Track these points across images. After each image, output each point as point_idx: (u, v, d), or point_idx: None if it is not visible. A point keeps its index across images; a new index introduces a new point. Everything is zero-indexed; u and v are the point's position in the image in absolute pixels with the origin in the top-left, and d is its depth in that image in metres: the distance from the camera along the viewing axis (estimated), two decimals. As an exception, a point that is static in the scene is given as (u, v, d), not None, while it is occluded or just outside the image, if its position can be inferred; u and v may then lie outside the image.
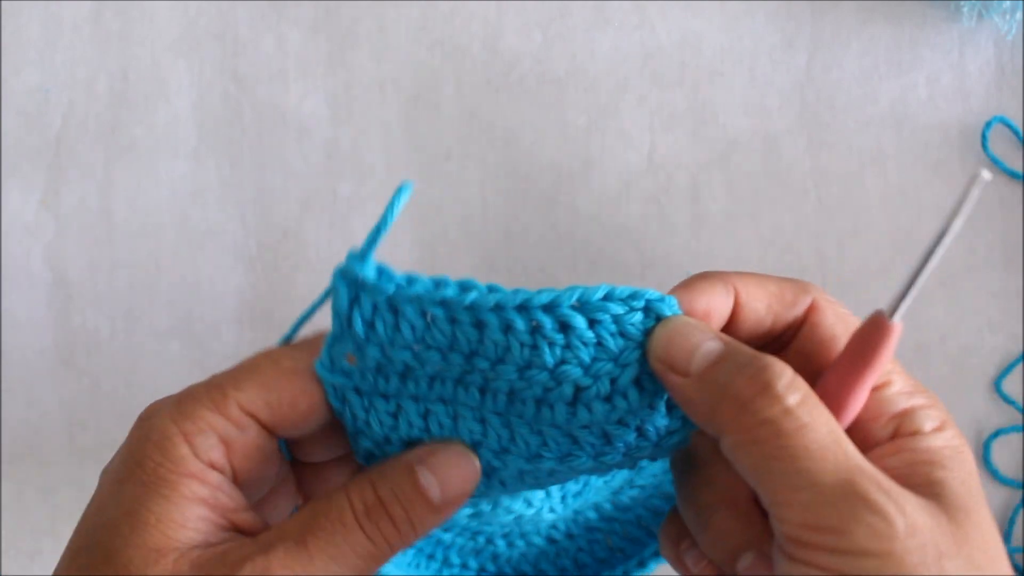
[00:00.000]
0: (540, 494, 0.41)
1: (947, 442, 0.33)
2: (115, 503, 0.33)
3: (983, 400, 0.54)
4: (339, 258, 0.59)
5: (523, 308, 0.32)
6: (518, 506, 0.41)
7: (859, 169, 0.55)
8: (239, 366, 0.35)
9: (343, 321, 0.34)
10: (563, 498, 0.42)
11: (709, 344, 0.33)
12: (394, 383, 0.34)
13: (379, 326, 0.33)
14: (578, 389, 0.33)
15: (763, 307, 0.36)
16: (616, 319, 0.32)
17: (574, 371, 0.32)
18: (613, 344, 0.32)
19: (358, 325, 0.33)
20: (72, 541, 0.34)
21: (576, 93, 0.56)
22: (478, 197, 0.57)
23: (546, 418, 0.33)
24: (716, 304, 0.35)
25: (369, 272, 0.33)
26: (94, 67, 0.59)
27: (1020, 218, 0.54)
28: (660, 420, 0.34)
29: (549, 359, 0.32)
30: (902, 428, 0.34)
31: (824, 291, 0.37)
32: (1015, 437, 0.54)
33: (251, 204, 0.58)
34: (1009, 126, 0.54)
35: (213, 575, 0.31)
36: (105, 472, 0.35)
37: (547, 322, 0.32)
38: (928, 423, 0.34)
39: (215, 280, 0.58)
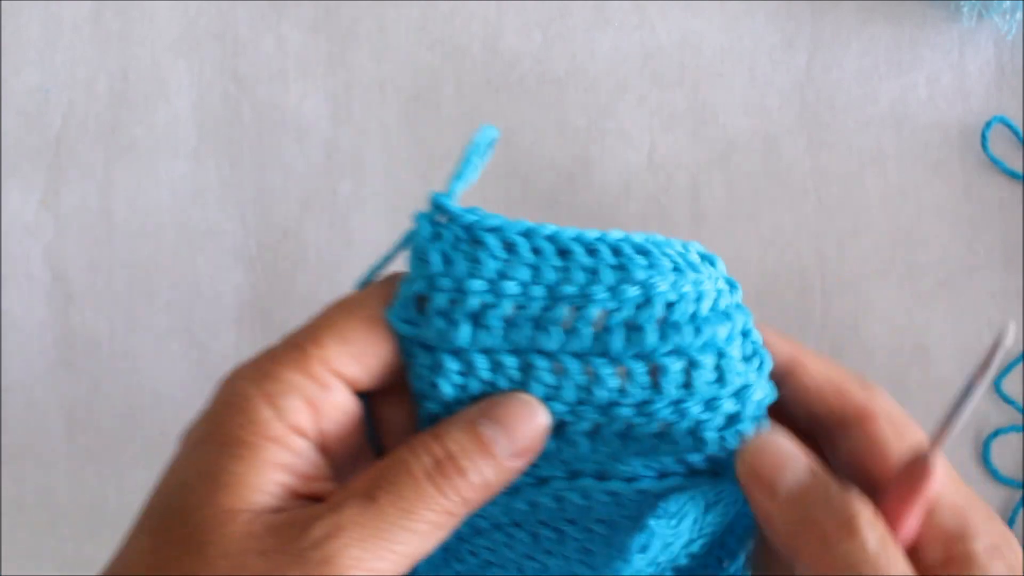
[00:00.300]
0: (582, 568, 0.39)
1: (1005, 570, 0.32)
2: (191, 465, 0.33)
3: (983, 400, 0.54)
4: (339, 258, 0.59)
5: (601, 240, 0.33)
6: None
7: (859, 169, 0.55)
8: (314, 321, 0.34)
9: (419, 256, 0.34)
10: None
11: (798, 470, 0.33)
12: (464, 332, 0.33)
13: (457, 259, 0.33)
14: (669, 304, 0.33)
15: (813, 386, 0.36)
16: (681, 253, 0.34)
17: (662, 290, 0.33)
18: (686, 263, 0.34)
19: (435, 257, 0.33)
20: (147, 504, 0.33)
21: (576, 93, 0.56)
22: (478, 197, 0.56)
23: (635, 344, 0.33)
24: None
25: (453, 206, 0.34)
26: (94, 67, 0.59)
27: (1020, 218, 0.54)
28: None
29: (640, 273, 0.33)
30: (955, 554, 0.33)
31: (886, 395, 0.36)
32: (1015, 437, 0.54)
33: (251, 204, 0.58)
34: (1009, 126, 0.54)
35: (284, 535, 0.31)
36: (184, 436, 0.34)
37: (628, 247, 0.33)
38: (982, 547, 0.32)
39: (215, 280, 0.58)
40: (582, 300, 0.33)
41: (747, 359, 0.35)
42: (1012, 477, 0.54)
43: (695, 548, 0.43)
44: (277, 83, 0.58)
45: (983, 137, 0.53)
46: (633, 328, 0.33)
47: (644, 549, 0.40)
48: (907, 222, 0.54)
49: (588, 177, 0.56)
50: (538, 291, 0.33)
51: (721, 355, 0.34)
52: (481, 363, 0.34)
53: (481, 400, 0.34)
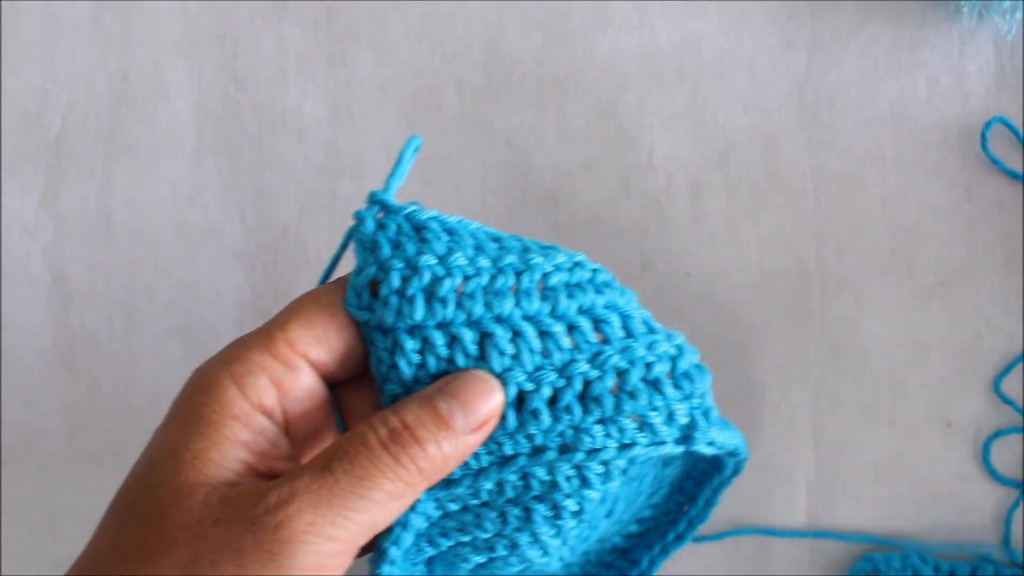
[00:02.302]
0: (554, 541, 0.40)
1: None
2: (157, 445, 0.34)
3: (982, 400, 0.54)
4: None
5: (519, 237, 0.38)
6: (533, 553, 0.40)
7: (859, 169, 0.55)
8: (283, 310, 0.36)
9: (368, 245, 0.36)
10: (572, 547, 0.42)
11: None
12: (419, 306, 0.35)
13: (405, 242, 0.36)
14: (594, 270, 0.38)
15: None
16: None
17: (584, 258, 0.38)
18: None
19: (384, 243, 0.36)
20: (120, 487, 0.34)
21: (576, 93, 0.56)
22: (478, 197, 0.57)
23: (577, 299, 0.36)
24: None
25: (392, 200, 0.37)
26: (94, 67, 0.59)
27: (1020, 218, 0.54)
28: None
29: (562, 251, 0.37)
30: None
31: None
32: (1014, 437, 0.54)
33: (251, 204, 0.58)
34: (1009, 126, 0.54)
35: (239, 504, 0.32)
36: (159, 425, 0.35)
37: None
38: None
39: (215, 280, 0.58)
40: (524, 267, 0.36)
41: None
42: (1012, 477, 0.54)
43: (656, 499, 0.45)
44: (277, 83, 0.58)
45: (983, 137, 0.53)
46: (573, 286, 0.37)
47: (610, 514, 0.42)
48: (907, 222, 0.55)
49: (588, 177, 0.56)
50: (484, 263, 0.36)
51: (640, 312, 0.38)
52: (438, 338, 0.35)
53: (439, 379, 0.35)
